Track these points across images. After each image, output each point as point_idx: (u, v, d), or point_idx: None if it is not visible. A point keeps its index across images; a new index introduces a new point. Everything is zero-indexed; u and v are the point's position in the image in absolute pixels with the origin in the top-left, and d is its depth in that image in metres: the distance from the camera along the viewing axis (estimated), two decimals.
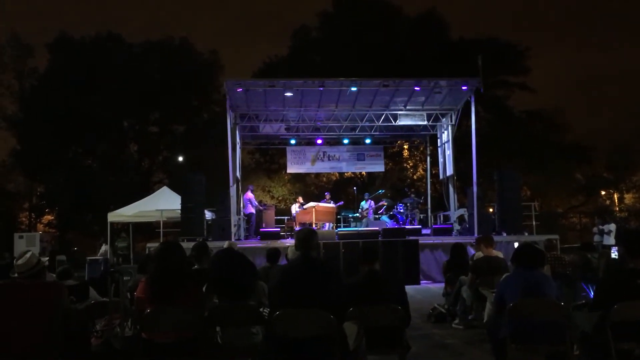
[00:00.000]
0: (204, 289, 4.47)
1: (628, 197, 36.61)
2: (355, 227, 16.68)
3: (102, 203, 24.81)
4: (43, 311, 3.79)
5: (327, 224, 15.99)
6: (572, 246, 18.61)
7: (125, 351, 4.25)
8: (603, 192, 36.30)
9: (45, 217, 32.10)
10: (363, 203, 17.28)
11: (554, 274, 7.15)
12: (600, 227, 15.92)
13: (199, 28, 59.99)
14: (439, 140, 18.80)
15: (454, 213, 17.39)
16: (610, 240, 15.09)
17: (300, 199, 17.60)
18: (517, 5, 65.54)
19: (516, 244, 8.62)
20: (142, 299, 4.09)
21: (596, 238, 15.89)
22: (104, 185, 26.91)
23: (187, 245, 6.29)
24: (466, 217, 16.08)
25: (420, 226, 16.34)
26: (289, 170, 21.19)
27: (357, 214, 17.26)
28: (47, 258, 14.90)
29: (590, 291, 5.13)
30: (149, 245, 14.31)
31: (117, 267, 13.95)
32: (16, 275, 4.03)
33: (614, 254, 7.43)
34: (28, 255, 4.05)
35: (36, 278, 4.02)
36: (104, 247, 18.14)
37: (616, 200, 36.71)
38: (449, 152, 17.71)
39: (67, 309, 3.92)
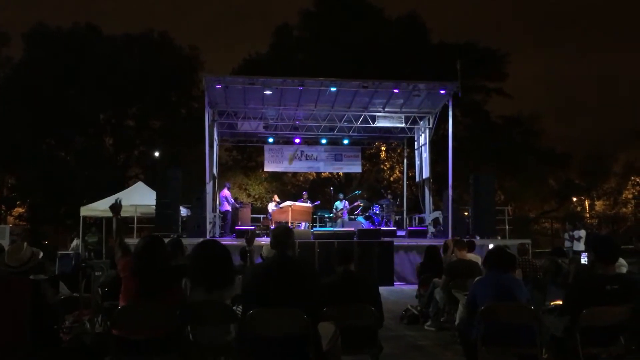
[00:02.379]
0: (183, 284, 4.45)
1: (599, 204, 37.34)
2: (331, 227, 16.70)
3: (75, 197, 24.46)
4: (12, 306, 3.72)
5: (303, 224, 15.99)
6: (544, 251, 18.92)
7: (95, 348, 4.18)
8: (575, 199, 36.96)
9: (16, 209, 31.47)
10: (338, 203, 17.30)
11: (525, 278, 7.26)
12: (571, 233, 16.20)
13: (179, 23, 59.61)
14: (416, 143, 18.94)
15: (429, 215, 17.53)
16: (580, 246, 15.36)
17: (276, 198, 17.57)
18: (496, 13, 66.39)
19: (491, 246, 8.72)
20: (127, 281, 4.06)
21: (566, 244, 16.15)
22: (78, 178, 26.49)
23: None
24: (441, 219, 16.23)
25: (395, 228, 16.43)
26: (266, 169, 21.16)
27: (332, 214, 17.29)
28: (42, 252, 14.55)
29: (560, 296, 5.21)
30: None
31: (88, 262, 13.74)
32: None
33: (584, 260, 7.56)
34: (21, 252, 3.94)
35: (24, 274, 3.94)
36: (75, 242, 17.87)
37: (587, 207, 37.41)
38: (425, 155, 17.85)
39: (39, 303, 3.85)
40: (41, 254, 4.24)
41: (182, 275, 4.35)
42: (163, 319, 3.93)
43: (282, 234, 4.03)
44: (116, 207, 4.75)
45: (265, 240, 13.05)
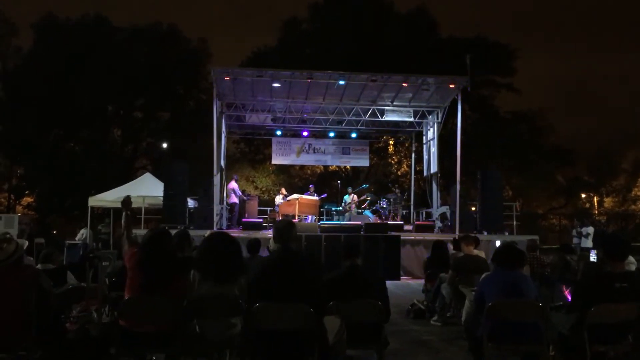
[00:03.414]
0: (191, 276, 4.46)
1: (608, 201, 37.10)
2: (338, 220, 16.68)
3: (83, 187, 24.52)
4: (17, 295, 3.73)
5: (310, 217, 15.99)
6: (551, 247, 18.84)
7: (101, 338, 4.20)
8: (583, 195, 36.74)
9: (24, 199, 31.66)
10: (346, 197, 17.28)
11: (533, 275, 7.23)
12: (579, 229, 16.12)
13: (188, 16, 59.54)
14: (424, 137, 18.86)
15: (437, 210, 17.48)
16: (588, 242, 15.29)
17: (284, 190, 17.59)
18: (506, 8, 65.92)
19: (497, 243, 8.67)
20: (133, 272, 4.07)
21: (574, 240, 16.08)
22: (86, 169, 26.60)
23: None
24: (448, 214, 16.17)
25: (402, 222, 16.39)
26: (273, 161, 21.15)
27: (340, 208, 17.26)
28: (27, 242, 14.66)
29: (568, 293, 5.18)
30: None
31: (96, 253, 13.78)
32: None
33: (593, 257, 7.52)
34: (4, 246, 3.94)
35: (16, 264, 3.93)
36: (82, 231, 17.91)
37: (596, 204, 37.18)
38: (433, 150, 17.78)
39: (46, 293, 3.86)
40: (26, 244, 4.24)
41: (189, 267, 4.35)
42: (169, 311, 3.94)
43: (284, 227, 4.03)
44: (127, 203, 4.85)
45: (272, 234, 13.08)
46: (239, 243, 4.28)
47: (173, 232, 5.52)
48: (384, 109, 17.37)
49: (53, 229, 28.36)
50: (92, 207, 18.43)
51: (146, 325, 3.92)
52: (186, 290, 4.14)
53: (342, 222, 15.81)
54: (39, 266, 6.29)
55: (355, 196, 17.31)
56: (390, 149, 28.57)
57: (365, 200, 17.76)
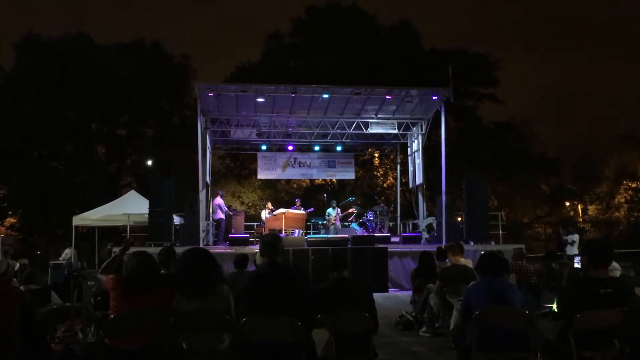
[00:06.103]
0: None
1: (592, 209, 37.44)
2: (325, 234, 16.65)
3: (67, 206, 24.30)
4: (3, 316, 3.68)
5: (297, 231, 15.95)
6: (537, 256, 18.95)
7: (86, 357, 4.14)
8: (567, 203, 37.06)
9: (7, 219, 31.21)
10: (330, 210, 17.22)
11: (519, 283, 7.27)
12: (564, 237, 16.22)
13: (171, 32, 59.64)
14: (409, 149, 18.96)
15: (423, 221, 17.54)
16: (573, 250, 15.37)
17: (270, 205, 17.54)
18: (488, 18, 66.84)
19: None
20: (115, 292, 4.04)
21: None
22: (70, 187, 26.34)
23: (155, 250, 6.16)
24: (435, 225, 16.22)
25: (389, 234, 16.38)
26: (259, 176, 21.12)
27: (325, 221, 17.23)
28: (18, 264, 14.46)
29: (554, 300, 5.21)
30: (114, 249, 14.00)
31: (81, 272, 13.62)
32: None
33: (577, 264, 7.58)
34: None
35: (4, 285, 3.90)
36: (67, 251, 17.72)
37: (580, 211, 37.51)
38: (418, 161, 17.88)
39: (32, 314, 3.82)
40: (17, 266, 4.22)
41: (175, 283, 4.33)
42: (155, 327, 3.90)
43: (270, 240, 4.05)
44: (127, 245, 4.95)
45: (258, 248, 13.03)
46: (212, 257, 4.31)
47: (159, 249, 5.51)
48: (368, 122, 17.44)
49: (37, 249, 28.00)
50: (76, 227, 18.25)
51: (132, 341, 3.88)
52: (172, 305, 4.11)
53: (329, 236, 15.78)
54: (22, 287, 6.20)
55: (339, 209, 17.28)
56: (376, 161, 28.69)
57: (351, 214, 17.76)
